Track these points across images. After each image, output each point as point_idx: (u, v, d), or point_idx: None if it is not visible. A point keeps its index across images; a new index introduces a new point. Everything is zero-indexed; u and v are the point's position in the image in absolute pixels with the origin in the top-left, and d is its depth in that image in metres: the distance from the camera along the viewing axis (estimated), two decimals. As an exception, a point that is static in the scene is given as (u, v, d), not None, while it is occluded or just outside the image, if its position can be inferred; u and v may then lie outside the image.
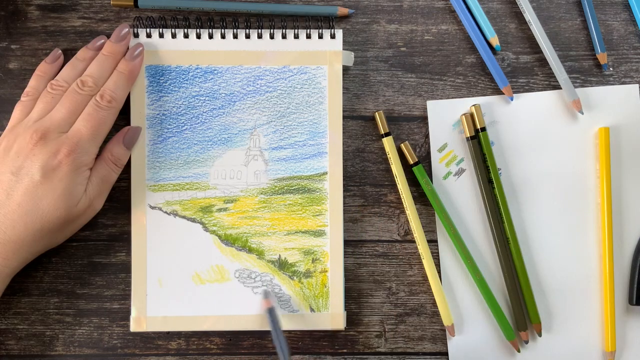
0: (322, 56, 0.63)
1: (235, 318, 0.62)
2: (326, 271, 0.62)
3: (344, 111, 0.63)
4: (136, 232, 0.62)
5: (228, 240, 0.62)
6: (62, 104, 0.59)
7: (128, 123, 0.62)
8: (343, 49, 0.63)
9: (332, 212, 0.62)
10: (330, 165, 0.62)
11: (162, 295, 0.62)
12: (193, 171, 0.62)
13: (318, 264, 0.62)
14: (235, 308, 0.62)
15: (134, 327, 0.62)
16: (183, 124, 0.63)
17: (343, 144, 0.63)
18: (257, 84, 0.63)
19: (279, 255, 0.62)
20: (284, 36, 0.62)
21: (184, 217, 0.62)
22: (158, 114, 0.62)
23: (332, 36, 0.62)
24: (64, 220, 0.58)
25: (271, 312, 0.59)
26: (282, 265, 0.62)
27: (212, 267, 0.62)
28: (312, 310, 0.62)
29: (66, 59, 0.63)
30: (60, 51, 0.63)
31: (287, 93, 0.63)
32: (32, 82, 0.61)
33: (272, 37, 0.62)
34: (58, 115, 0.58)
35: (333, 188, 0.62)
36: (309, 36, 0.63)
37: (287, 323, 0.62)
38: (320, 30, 0.62)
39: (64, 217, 0.57)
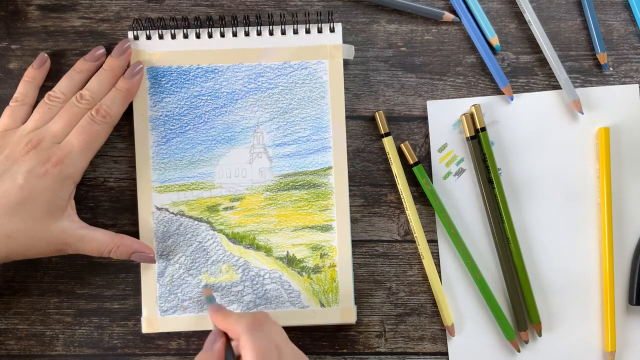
0: (323, 50, 0.63)
1: None
2: (334, 266, 0.62)
3: (344, 111, 0.64)
4: (143, 234, 0.62)
5: (235, 239, 0.62)
6: (60, 116, 0.59)
7: (130, 124, 0.62)
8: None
9: (339, 206, 0.62)
10: (334, 159, 0.62)
11: (172, 296, 0.62)
12: (198, 171, 0.62)
13: (326, 258, 0.62)
14: (244, 306, 0.62)
15: (146, 328, 0.62)
16: (186, 124, 0.63)
17: (343, 144, 0.63)
18: (259, 81, 0.63)
19: (287, 251, 0.62)
20: (283, 32, 0.62)
21: (190, 217, 0.62)
22: (161, 115, 0.62)
23: (332, 30, 0.62)
24: (30, 231, 0.56)
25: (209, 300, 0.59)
26: (290, 261, 0.62)
27: (220, 266, 0.62)
28: (322, 305, 0.62)
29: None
30: (46, 55, 0.62)
31: (288, 89, 0.63)
32: (21, 88, 0.61)
33: (271, 33, 0.63)
34: (55, 127, 0.59)
35: (338, 182, 0.62)
36: (308, 31, 0.62)
37: (298, 319, 0.62)
38: (319, 25, 0.62)
39: (31, 227, 0.56)
